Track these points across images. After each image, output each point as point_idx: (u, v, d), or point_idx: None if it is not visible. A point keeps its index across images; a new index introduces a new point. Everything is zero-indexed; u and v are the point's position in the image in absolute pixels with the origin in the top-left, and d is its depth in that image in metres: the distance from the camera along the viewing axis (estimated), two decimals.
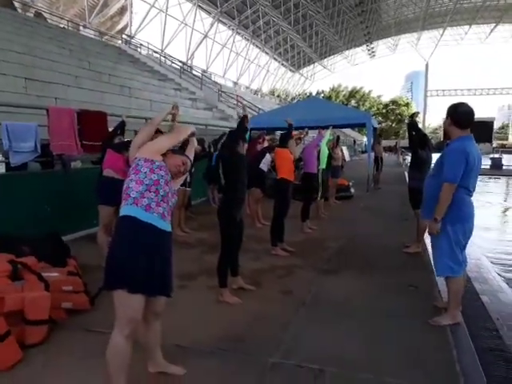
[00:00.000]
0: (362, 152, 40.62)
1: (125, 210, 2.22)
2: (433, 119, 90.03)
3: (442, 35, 64.82)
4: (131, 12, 29.00)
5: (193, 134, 2.58)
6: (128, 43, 25.22)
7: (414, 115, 5.69)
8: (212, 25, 36.69)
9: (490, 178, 20.31)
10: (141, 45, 25.29)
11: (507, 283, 4.96)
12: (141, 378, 2.49)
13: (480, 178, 3.46)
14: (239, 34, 42.21)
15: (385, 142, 14.42)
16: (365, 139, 54.11)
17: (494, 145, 53.84)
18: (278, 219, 5.48)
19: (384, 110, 73.54)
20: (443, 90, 76.55)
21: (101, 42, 22.01)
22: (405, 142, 48.18)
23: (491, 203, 12.67)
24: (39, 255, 3.50)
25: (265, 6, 38.31)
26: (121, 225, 2.23)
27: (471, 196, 3.32)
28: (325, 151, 7.66)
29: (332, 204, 9.46)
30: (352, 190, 10.93)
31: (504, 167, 23.36)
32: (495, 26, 61.91)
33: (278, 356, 2.83)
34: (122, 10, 31.69)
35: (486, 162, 24.51)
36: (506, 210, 12.83)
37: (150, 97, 14.75)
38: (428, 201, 3.49)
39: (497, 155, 28.44)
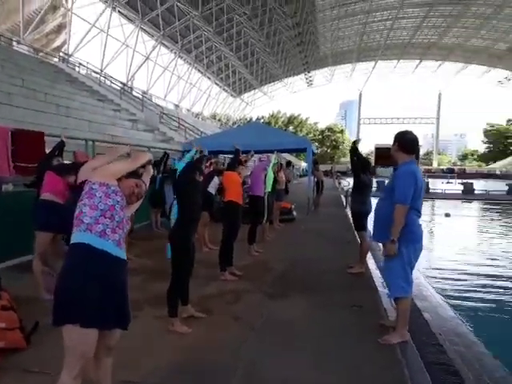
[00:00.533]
0: (300, 176, 41.78)
1: (77, 236, 2.08)
2: (365, 146, 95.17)
3: (373, 67, 69.76)
4: (70, 30, 28.06)
5: (149, 162, 2.48)
6: (66, 61, 24.30)
7: (356, 142, 5.94)
8: (154, 47, 36.49)
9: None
10: (79, 64, 24.45)
11: (444, 299, 5.26)
12: None
13: None
14: (181, 57, 42.36)
15: (321, 167, 15.07)
16: (302, 164, 56.00)
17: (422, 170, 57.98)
18: (228, 243, 5.43)
19: (320, 137, 76.81)
20: (375, 118, 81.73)
21: (36, 58, 20.99)
22: (340, 167, 50.49)
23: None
24: None
25: (208, 32, 38.89)
26: (72, 253, 2.08)
27: (420, 217, 3.52)
28: (270, 175, 7.79)
29: (276, 227, 9.56)
30: (294, 213, 11.15)
31: (430, 190, 25.03)
32: (420, 62, 67.64)
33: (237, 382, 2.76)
34: (60, 28, 30.57)
35: None
36: (431, 230, 13.62)
37: (88, 117, 14.22)
38: (380, 223, 3.63)
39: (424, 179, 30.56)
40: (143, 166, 2.51)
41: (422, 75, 74.19)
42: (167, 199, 7.65)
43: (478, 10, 46.43)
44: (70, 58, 25.31)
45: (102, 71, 27.01)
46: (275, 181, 8.39)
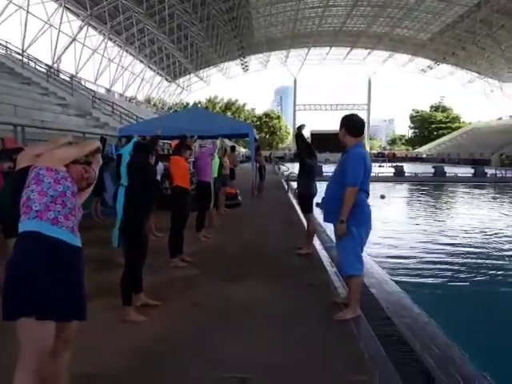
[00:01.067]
0: (241, 162, 41.93)
1: (26, 224, 1.93)
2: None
3: (307, 54, 71.11)
4: None
5: (98, 150, 2.34)
6: None
7: (300, 127, 6.04)
8: (81, 28, 34.35)
9: None
10: None
11: (388, 275, 5.58)
12: None
13: None
14: (111, 39, 40.32)
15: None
16: (242, 149, 56.19)
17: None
18: (177, 230, 5.33)
19: (258, 123, 77.28)
20: (310, 105, 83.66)
21: None
22: (278, 153, 51.30)
23: None
24: None
25: (138, 14, 37.28)
26: (23, 242, 1.92)
27: (368, 197, 3.67)
28: (216, 160, 7.73)
29: (222, 212, 9.55)
30: (239, 198, 11.19)
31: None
32: (351, 49, 70.08)
33: (200, 369, 2.74)
34: None
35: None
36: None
37: (13, 101, 13.11)
38: (330, 205, 3.73)
39: None
40: (91, 155, 2.36)
41: (352, 63, 76.96)
42: (107, 187, 7.31)
43: (401, 2, 48.91)
44: None
45: (23, 51, 24.96)
46: (221, 166, 8.34)
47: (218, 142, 8.12)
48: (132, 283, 3.65)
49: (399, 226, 10.35)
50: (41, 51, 29.04)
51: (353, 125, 3.67)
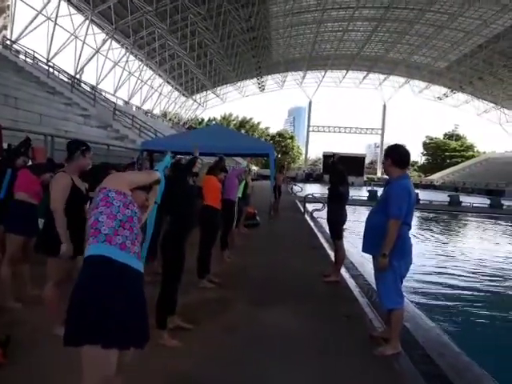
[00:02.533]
0: (252, 180, 41.93)
1: (95, 248, 1.87)
2: (313, 152, 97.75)
3: (323, 76, 71.78)
4: (12, 14, 26.23)
5: (158, 182, 2.36)
6: (9, 48, 22.68)
7: (335, 155, 6.11)
8: (105, 41, 35.10)
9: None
10: (25, 52, 22.90)
11: (421, 309, 5.43)
12: None
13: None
14: (133, 53, 41.10)
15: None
16: (254, 168, 56.28)
17: (365, 178, 60.54)
18: (206, 249, 5.26)
19: (271, 141, 77.67)
20: (323, 127, 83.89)
21: None
22: (289, 173, 51.15)
23: None
24: None
25: (161, 30, 38.05)
26: (91, 266, 1.87)
27: (410, 230, 3.59)
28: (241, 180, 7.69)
29: (242, 231, 9.47)
30: (258, 218, 11.12)
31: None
32: (367, 74, 70.60)
33: None
34: None
35: (363, 194, 27.35)
36: None
37: (38, 110, 13.31)
38: (370, 235, 3.65)
39: (369, 187, 32.51)
40: (153, 184, 2.36)
41: (368, 87, 77.46)
42: None
43: (421, 29, 49.38)
44: (14, 46, 23.66)
45: (49, 61, 25.49)
46: (246, 186, 8.31)
47: (246, 162, 8.10)
48: (168, 305, 3.57)
49: (420, 255, 10.14)
50: (64, 62, 29.62)
51: (399, 156, 3.61)
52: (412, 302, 5.83)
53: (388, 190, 3.61)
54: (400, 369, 3.25)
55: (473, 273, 8.06)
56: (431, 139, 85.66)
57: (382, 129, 79.98)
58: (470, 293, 6.77)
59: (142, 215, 2.24)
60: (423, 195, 29.01)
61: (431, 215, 20.95)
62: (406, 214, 3.46)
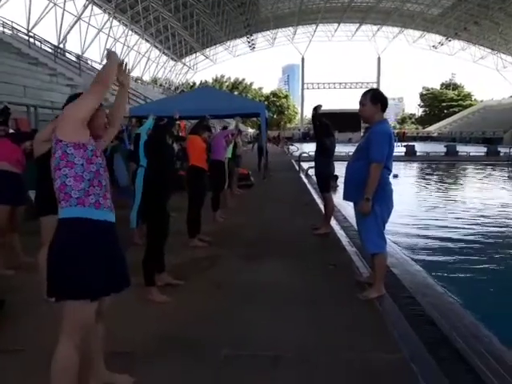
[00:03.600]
0: (248, 142, 41.59)
1: (69, 211, 1.87)
2: (308, 110, 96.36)
3: (315, 31, 69.62)
4: None
5: (121, 65, 2.10)
6: None
7: (317, 108, 5.91)
8: (85, 6, 33.84)
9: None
10: (3, 23, 22.14)
11: (410, 256, 5.54)
12: None
13: None
14: (116, 18, 39.73)
15: (268, 133, 15.14)
16: (250, 130, 55.73)
17: (361, 134, 60.16)
18: (195, 209, 5.30)
19: (266, 102, 76.47)
20: (318, 83, 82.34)
21: None
22: (286, 133, 50.57)
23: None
24: None
25: None
26: (68, 227, 1.87)
27: (390, 175, 3.60)
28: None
29: (235, 193, 9.51)
30: (252, 179, 11.15)
31: None
32: (360, 26, 68.50)
33: (229, 349, 2.73)
34: None
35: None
36: None
37: (22, 82, 13.01)
38: (352, 183, 3.66)
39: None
40: (119, 74, 2.12)
41: (361, 40, 75.36)
42: (119, 168, 7.22)
43: None
44: None
45: (29, 31, 24.68)
46: (235, 146, 8.26)
47: (234, 121, 7.99)
48: (154, 262, 3.64)
49: (413, 205, 10.23)
50: (46, 31, 28.68)
51: (383, 99, 3.56)
52: (403, 249, 5.94)
53: (369, 136, 3.58)
54: (383, 310, 3.35)
55: (468, 223, 8.11)
56: (428, 90, 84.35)
57: (378, 82, 78.38)
58: (465, 244, 6.75)
59: (100, 136, 2.07)
60: (420, 147, 28.92)
61: (428, 166, 20.97)
62: (386, 158, 3.46)
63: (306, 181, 12.62)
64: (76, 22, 33.31)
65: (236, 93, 69.66)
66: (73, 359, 1.88)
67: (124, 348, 2.70)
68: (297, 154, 21.36)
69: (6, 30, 22.02)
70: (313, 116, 6.02)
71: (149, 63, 50.89)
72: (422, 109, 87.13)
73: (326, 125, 5.97)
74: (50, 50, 22.59)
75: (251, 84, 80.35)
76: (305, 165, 15.86)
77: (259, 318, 3.22)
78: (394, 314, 3.30)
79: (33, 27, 27.29)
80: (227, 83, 75.87)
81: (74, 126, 1.86)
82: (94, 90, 1.96)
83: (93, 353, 2.21)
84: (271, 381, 2.40)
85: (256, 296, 3.67)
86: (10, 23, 22.82)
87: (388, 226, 3.80)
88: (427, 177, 17.83)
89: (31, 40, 21.81)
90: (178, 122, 15.08)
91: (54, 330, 1.97)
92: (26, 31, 24.16)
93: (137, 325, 3.08)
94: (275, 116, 76.53)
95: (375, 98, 3.54)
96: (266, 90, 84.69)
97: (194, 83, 66.57)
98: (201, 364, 2.55)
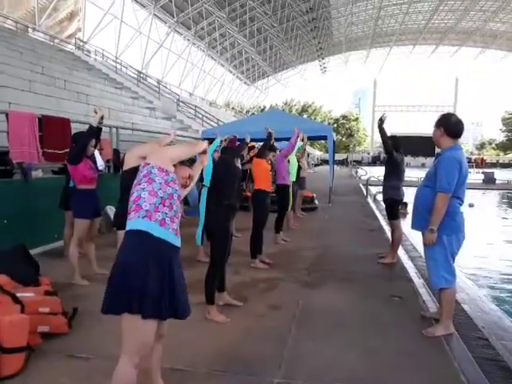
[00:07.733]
0: (316, 165, 41.44)
1: (135, 222, 1.99)
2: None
3: (388, 53, 68.36)
4: (83, 17, 28.00)
5: (205, 152, 2.35)
6: (81, 49, 24.31)
7: (383, 117, 5.33)
8: (168, 34, 36.28)
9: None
10: (95, 51, 24.46)
11: (483, 291, 5.13)
12: None
13: None
14: (195, 44, 42.07)
15: (336, 156, 14.85)
16: (317, 152, 55.53)
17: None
18: (258, 231, 5.37)
19: (335, 125, 75.87)
20: (390, 106, 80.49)
21: (53, 46, 21.03)
22: (355, 156, 49.62)
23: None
24: (8, 272, 3.15)
25: (221, 18, 38.50)
26: (133, 240, 2.00)
27: (461, 205, 3.39)
28: (294, 162, 7.67)
29: (299, 216, 9.47)
30: (316, 202, 11.04)
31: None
32: (436, 47, 66.14)
33: (281, 375, 2.70)
34: (72, 15, 30.53)
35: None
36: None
37: (108, 104, 14.22)
38: (420, 211, 3.49)
39: None
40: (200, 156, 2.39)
41: (438, 61, 72.68)
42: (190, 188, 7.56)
43: None
44: (85, 45, 25.32)
45: (117, 58, 26.94)
46: (299, 168, 8.26)
47: (301, 143, 7.97)
48: (215, 281, 3.72)
49: (489, 237, 9.49)
50: (131, 57, 31.11)
51: (452, 125, 3.39)
52: (476, 284, 5.52)
53: (438, 163, 3.42)
54: (450, 350, 3.12)
55: None
56: (511, 114, 78.62)
57: (454, 105, 74.85)
58: None
59: (185, 190, 2.32)
60: (501, 174, 26.89)
61: (509, 196, 19.41)
62: (456, 186, 3.27)
63: (373, 206, 12.24)
64: (158, 48, 35.76)
65: (305, 115, 70.01)
66: (130, 378, 1.96)
67: (177, 365, 2.78)
68: (365, 177, 20.85)
69: (97, 57, 24.24)
70: (379, 126, 5.60)
71: (223, 87, 53.00)
72: (504, 133, 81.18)
73: (394, 137, 5.61)
74: (133, 75, 24.44)
75: (321, 107, 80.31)
76: (373, 189, 15.44)
77: (313, 345, 3.15)
78: (462, 355, 3.05)
79: (120, 54, 29.76)
80: (297, 106, 76.51)
81: (163, 160, 2.08)
82: (185, 147, 2.24)
83: (152, 369, 2.31)
84: None
85: (313, 321, 3.61)
86: (101, 51, 25.14)
87: (460, 259, 3.57)
88: (507, 207, 16.48)
89: (118, 66, 23.76)
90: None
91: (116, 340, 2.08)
92: (114, 58, 26.42)
93: (193, 343, 3.16)
94: (344, 139, 75.54)
95: (438, 122, 3.40)
96: (337, 113, 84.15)
97: (265, 107, 67.93)
98: None
